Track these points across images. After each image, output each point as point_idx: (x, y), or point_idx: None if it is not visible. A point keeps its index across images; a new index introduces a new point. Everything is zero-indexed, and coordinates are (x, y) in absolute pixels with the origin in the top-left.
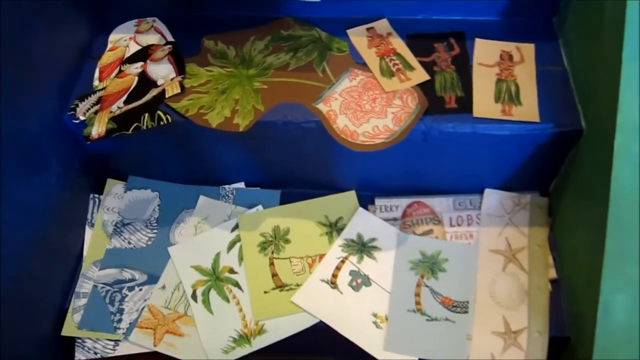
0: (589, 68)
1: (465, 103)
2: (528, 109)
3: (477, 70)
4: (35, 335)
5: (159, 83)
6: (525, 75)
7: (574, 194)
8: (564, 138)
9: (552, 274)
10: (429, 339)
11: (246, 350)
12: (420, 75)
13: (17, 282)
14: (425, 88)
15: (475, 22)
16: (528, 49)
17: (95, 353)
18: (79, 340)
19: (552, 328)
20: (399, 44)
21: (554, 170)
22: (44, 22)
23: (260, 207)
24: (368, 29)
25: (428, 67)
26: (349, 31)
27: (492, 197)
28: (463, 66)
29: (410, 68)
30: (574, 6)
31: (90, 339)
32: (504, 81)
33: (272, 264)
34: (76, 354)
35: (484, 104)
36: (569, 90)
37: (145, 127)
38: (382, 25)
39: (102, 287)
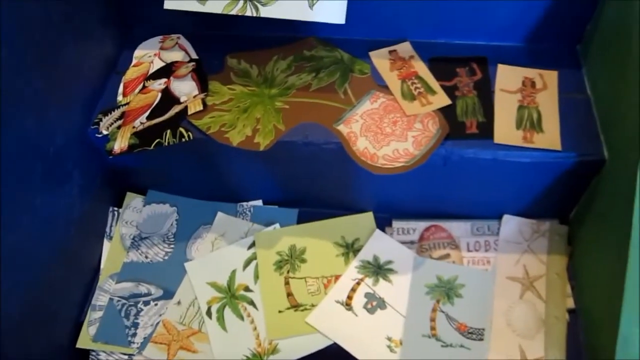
0: (613, 97)
1: (487, 129)
2: (550, 137)
3: (499, 96)
4: (50, 346)
5: (181, 100)
6: (548, 103)
7: (594, 223)
8: (585, 167)
9: (570, 303)
10: None
11: None
12: (441, 99)
13: (36, 291)
14: (446, 112)
15: (498, 48)
16: (551, 76)
17: None
18: (94, 353)
19: (569, 359)
20: (421, 68)
21: (575, 199)
22: (72, 36)
23: (277, 226)
24: (390, 52)
25: (450, 91)
26: (371, 53)
27: (510, 224)
28: (485, 91)
29: (432, 92)
30: (599, 34)
31: (104, 352)
32: (526, 108)
33: (287, 283)
34: None
35: (506, 131)
36: (591, 119)
37: (166, 144)
38: (405, 48)
39: (118, 301)
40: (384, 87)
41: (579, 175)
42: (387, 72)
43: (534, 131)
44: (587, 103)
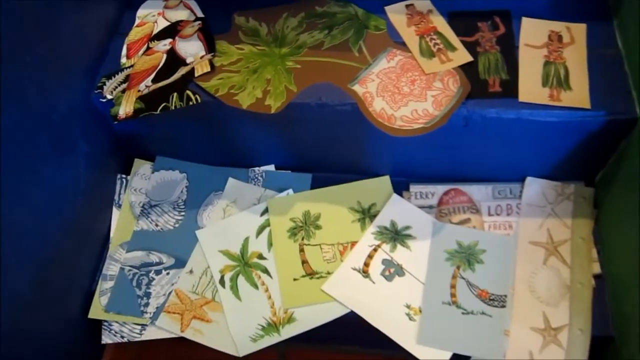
0: None
1: (510, 87)
2: (578, 95)
3: (524, 52)
4: (63, 317)
5: (188, 61)
6: (576, 58)
7: (623, 186)
8: (616, 126)
9: (596, 269)
10: (464, 333)
11: (275, 339)
12: (462, 56)
13: (46, 262)
14: (467, 70)
15: (522, 0)
16: (579, 30)
17: (122, 337)
18: (106, 324)
19: (595, 326)
20: (440, 23)
21: (602, 160)
22: None
23: (290, 191)
24: (407, 6)
25: (471, 47)
26: (387, 8)
27: (533, 186)
28: (508, 47)
29: (452, 48)
30: None
31: (117, 322)
32: (552, 64)
33: (302, 250)
34: (103, 337)
35: (531, 88)
36: (623, 75)
37: (173, 107)
38: (423, 2)
39: (129, 270)
40: (401, 44)
41: (608, 135)
42: (404, 28)
43: (561, 89)
44: (618, 58)
